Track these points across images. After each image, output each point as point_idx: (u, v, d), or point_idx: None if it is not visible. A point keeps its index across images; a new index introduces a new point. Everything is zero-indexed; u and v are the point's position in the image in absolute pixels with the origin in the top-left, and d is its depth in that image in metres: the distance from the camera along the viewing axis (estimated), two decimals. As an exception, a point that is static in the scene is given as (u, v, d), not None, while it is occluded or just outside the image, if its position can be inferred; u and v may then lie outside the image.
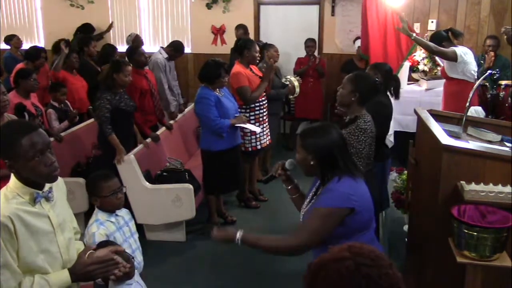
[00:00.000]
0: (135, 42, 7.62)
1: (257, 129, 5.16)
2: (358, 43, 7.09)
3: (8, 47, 7.86)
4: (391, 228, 4.88)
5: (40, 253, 2.10)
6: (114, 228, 2.90)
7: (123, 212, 3.05)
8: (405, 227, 4.65)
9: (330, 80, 8.02)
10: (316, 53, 7.57)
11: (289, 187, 2.77)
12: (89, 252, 2.25)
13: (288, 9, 8.22)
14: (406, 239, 4.34)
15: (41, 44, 8.86)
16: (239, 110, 5.13)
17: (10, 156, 2.03)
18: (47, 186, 2.16)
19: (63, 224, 2.24)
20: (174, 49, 6.65)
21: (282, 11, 8.25)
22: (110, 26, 8.48)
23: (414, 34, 5.54)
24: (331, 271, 1.24)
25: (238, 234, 2.47)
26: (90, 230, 2.84)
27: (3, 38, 8.08)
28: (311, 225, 2.37)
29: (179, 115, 6.42)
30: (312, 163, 2.43)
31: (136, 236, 3.09)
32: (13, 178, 2.11)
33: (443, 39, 5.51)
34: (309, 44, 7.37)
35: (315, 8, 8.12)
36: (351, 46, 7.80)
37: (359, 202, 2.36)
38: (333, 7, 7.95)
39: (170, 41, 7.19)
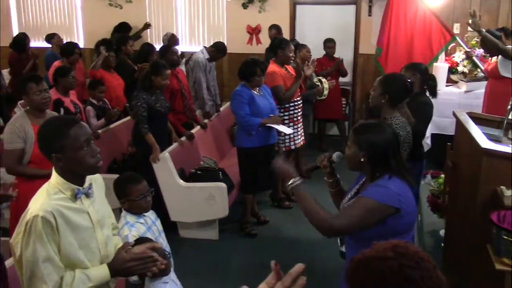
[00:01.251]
0: (171, 41, 7.70)
1: (288, 131, 5.14)
2: None
3: (49, 45, 8.06)
4: (426, 232, 4.80)
5: (80, 248, 2.14)
6: (144, 228, 2.93)
7: (149, 212, 3.06)
8: (442, 232, 4.55)
9: (365, 81, 7.93)
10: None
11: (331, 180, 2.74)
12: (127, 248, 2.28)
13: (324, 9, 8.16)
14: (442, 244, 4.26)
15: (81, 42, 9.07)
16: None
17: (58, 149, 2.08)
18: (87, 182, 2.21)
19: (102, 220, 2.29)
20: (217, 49, 6.67)
21: (318, 11, 8.19)
22: (146, 25, 8.58)
23: (484, 30, 5.42)
24: (374, 269, 1.21)
25: (296, 180, 2.42)
26: (122, 233, 2.83)
27: (44, 37, 8.28)
28: (353, 213, 2.31)
29: (215, 115, 6.46)
30: (362, 159, 2.39)
31: (164, 234, 3.11)
32: (54, 174, 2.16)
33: (496, 39, 5.40)
34: (330, 44, 7.29)
35: (351, 8, 8.04)
36: (388, 47, 7.68)
37: (406, 204, 2.31)
38: (370, 7, 7.86)
39: (205, 40, 7.28)
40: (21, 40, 7.53)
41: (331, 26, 7.96)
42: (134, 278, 2.69)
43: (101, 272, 2.18)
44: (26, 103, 3.73)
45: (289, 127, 5.29)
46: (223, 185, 4.78)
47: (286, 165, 2.52)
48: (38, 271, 2.04)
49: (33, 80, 3.67)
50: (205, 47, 6.82)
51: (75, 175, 2.15)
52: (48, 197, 2.10)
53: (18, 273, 2.14)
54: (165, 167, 4.78)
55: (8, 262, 2.13)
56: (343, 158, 2.64)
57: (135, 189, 2.93)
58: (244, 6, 8.31)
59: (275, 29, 7.50)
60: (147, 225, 2.97)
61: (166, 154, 4.82)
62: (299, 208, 2.41)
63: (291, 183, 2.43)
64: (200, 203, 4.79)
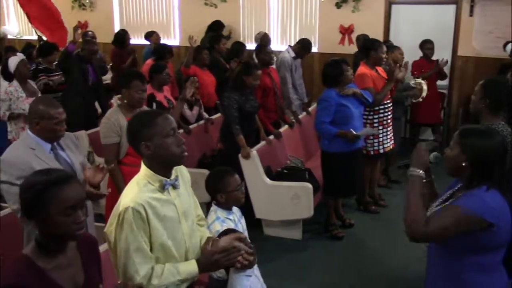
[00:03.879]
0: (263, 40, 7.77)
1: (372, 131, 5.02)
2: (510, 47, 6.56)
3: (148, 42, 8.43)
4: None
5: (167, 238, 2.22)
6: (233, 225, 2.95)
7: (235, 209, 3.09)
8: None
9: (464, 85, 7.53)
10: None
11: (424, 181, 2.62)
12: (212, 241, 2.32)
13: (422, 9, 7.84)
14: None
15: (176, 40, 9.41)
16: (363, 113, 5.01)
17: (147, 136, 2.16)
18: (173, 174, 2.28)
19: (187, 212, 2.34)
20: (302, 46, 6.67)
21: (414, 11, 7.89)
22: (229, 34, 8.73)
23: None
24: None
25: (421, 173, 2.34)
26: (214, 228, 2.86)
27: (144, 35, 8.68)
28: (444, 220, 2.19)
29: (302, 114, 6.43)
30: (464, 164, 2.24)
31: (246, 233, 3.13)
32: (143, 167, 2.25)
33: None
34: (429, 46, 6.93)
35: (451, 8, 7.66)
36: (490, 49, 7.25)
37: (501, 221, 2.16)
38: (471, 7, 7.43)
39: (296, 40, 7.24)
40: (122, 36, 7.95)
41: (428, 27, 7.61)
42: (219, 274, 2.74)
43: (190, 267, 2.24)
44: (124, 97, 3.89)
45: (378, 130, 5.15)
46: (309, 185, 4.75)
47: (424, 154, 2.42)
48: (129, 261, 2.13)
49: (139, 78, 3.84)
50: (290, 46, 6.82)
51: (162, 166, 2.22)
52: (138, 189, 2.19)
53: (112, 260, 2.25)
54: (252, 164, 4.83)
55: (102, 248, 2.25)
56: (440, 160, 2.52)
57: (232, 181, 2.98)
58: (338, 5, 8.20)
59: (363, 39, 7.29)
60: (235, 222, 3.00)
61: (253, 152, 4.87)
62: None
63: (415, 172, 2.34)
64: (285, 202, 4.79)
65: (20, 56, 5.42)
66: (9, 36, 10.52)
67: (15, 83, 5.20)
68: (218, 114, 6.10)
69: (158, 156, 2.19)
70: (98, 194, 2.99)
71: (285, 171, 5.10)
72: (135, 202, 2.12)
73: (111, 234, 2.18)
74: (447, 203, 2.35)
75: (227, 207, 3.00)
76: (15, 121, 5.18)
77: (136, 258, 2.13)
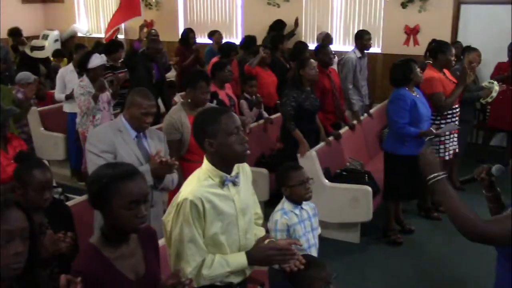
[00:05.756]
0: (325, 40, 7.70)
1: (454, 127, 4.84)
2: None
3: (211, 41, 8.56)
4: None
5: (222, 234, 2.24)
6: (296, 220, 2.97)
7: (308, 207, 3.11)
8: None
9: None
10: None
11: (490, 194, 2.50)
12: (269, 240, 2.33)
13: (494, 8, 7.49)
14: None
15: (238, 39, 9.48)
16: (431, 117, 4.85)
17: (211, 134, 2.20)
18: (234, 171, 2.30)
19: (246, 209, 2.36)
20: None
21: (486, 11, 7.56)
22: (296, 22, 8.65)
23: None
24: None
25: (440, 174, 2.20)
26: (274, 217, 2.97)
27: (207, 34, 8.82)
28: (507, 222, 2.03)
29: (364, 116, 6.32)
30: None
31: (316, 232, 3.13)
32: (205, 162, 2.28)
33: None
34: None
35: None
36: None
37: None
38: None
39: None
40: (187, 35, 8.11)
41: (501, 28, 7.26)
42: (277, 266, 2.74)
43: (239, 259, 2.27)
44: (188, 96, 3.97)
45: (446, 135, 4.95)
46: (368, 188, 4.66)
47: (432, 157, 2.31)
48: (183, 251, 2.18)
49: (205, 80, 3.94)
50: (356, 46, 6.69)
51: (224, 162, 2.25)
52: (199, 182, 2.23)
53: (167, 250, 2.30)
54: (311, 165, 4.79)
55: (160, 242, 2.30)
56: (504, 173, 2.39)
57: (294, 175, 3.01)
58: (404, 5, 8.00)
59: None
60: (301, 218, 3.01)
61: (313, 152, 4.83)
62: (449, 219, 2.20)
63: (433, 177, 2.20)
64: (343, 204, 4.72)
65: (103, 59, 5.49)
66: (79, 34, 10.97)
67: (86, 79, 5.38)
68: (278, 114, 6.09)
69: (221, 153, 2.22)
70: (168, 163, 3.18)
71: (344, 173, 5.03)
72: (194, 195, 2.16)
73: (168, 223, 2.24)
74: None
75: (294, 201, 3.03)
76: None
77: (189, 249, 2.17)
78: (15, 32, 9.08)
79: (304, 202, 3.07)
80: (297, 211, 3.01)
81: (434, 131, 4.51)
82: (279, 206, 3.04)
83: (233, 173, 2.30)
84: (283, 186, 3.05)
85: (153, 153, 3.28)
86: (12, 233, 1.53)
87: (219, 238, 2.24)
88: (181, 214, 2.17)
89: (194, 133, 2.34)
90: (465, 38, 7.44)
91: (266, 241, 2.37)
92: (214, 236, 2.22)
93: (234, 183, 2.30)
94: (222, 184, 2.25)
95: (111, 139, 3.19)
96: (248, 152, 2.26)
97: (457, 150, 5.20)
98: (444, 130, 4.64)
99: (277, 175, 3.17)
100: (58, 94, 6.34)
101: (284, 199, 3.07)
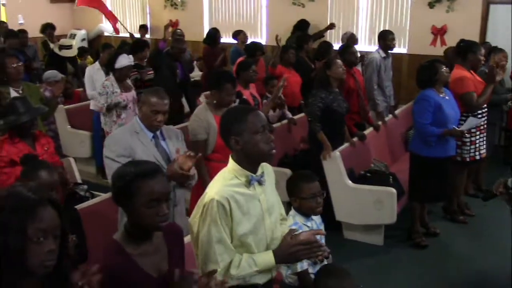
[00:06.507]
0: (350, 40, 7.64)
1: (477, 121, 4.73)
2: None
3: (235, 41, 8.58)
4: None
5: (249, 233, 2.24)
6: None
7: (315, 216, 3.01)
8: None
9: None
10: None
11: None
12: (293, 234, 2.32)
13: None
14: None
15: (263, 39, 9.48)
16: (460, 118, 4.75)
17: (237, 132, 2.20)
18: (259, 170, 2.30)
19: (271, 209, 2.36)
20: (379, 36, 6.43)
21: (516, 11, 7.41)
22: (331, 25, 8.57)
23: None
24: None
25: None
26: None
27: (232, 34, 8.84)
28: None
29: (388, 117, 6.25)
30: None
31: (323, 240, 3.06)
32: (231, 162, 2.29)
33: None
34: None
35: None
36: None
37: None
38: None
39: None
40: (213, 35, 8.14)
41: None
42: (290, 279, 2.72)
43: (267, 258, 2.26)
44: (214, 98, 3.97)
45: (475, 136, 4.88)
46: (392, 190, 4.60)
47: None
48: (211, 251, 2.18)
49: (231, 82, 3.94)
50: (380, 46, 6.60)
51: (250, 162, 2.25)
52: (225, 182, 2.23)
53: (194, 250, 2.31)
54: (335, 166, 4.76)
55: (186, 239, 2.31)
56: None
57: (306, 187, 2.87)
58: (431, 5, 7.88)
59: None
60: (312, 229, 2.93)
61: (337, 153, 4.80)
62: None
63: None
64: (367, 206, 4.68)
65: (130, 60, 5.50)
66: (106, 34, 11.11)
67: (112, 78, 5.43)
68: (301, 114, 6.06)
69: (247, 151, 2.22)
70: (185, 175, 3.09)
71: (368, 174, 4.98)
72: (220, 195, 2.17)
73: (194, 224, 2.24)
74: None
75: (303, 214, 2.90)
76: (109, 114, 5.43)
77: (217, 249, 2.17)
78: (48, 26, 9.16)
79: None
80: (308, 224, 2.89)
81: (457, 129, 4.44)
82: (290, 221, 2.80)
83: (259, 172, 2.30)
84: (292, 196, 2.91)
85: (172, 153, 3.26)
86: (46, 231, 1.54)
87: (247, 239, 2.24)
88: (208, 214, 2.17)
89: (220, 131, 2.34)
90: (493, 39, 7.31)
91: (290, 236, 2.33)
92: (242, 237, 2.22)
93: (260, 183, 2.30)
94: (248, 183, 2.25)
95: (128, 142, 3.15)
96: (274, 151, 2.26)
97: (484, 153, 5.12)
98: (466, 126, 4.55)
99: (287, 183, 3.00)
100: (90, 91, 6.39)
101: (293, 212, 2.91)
